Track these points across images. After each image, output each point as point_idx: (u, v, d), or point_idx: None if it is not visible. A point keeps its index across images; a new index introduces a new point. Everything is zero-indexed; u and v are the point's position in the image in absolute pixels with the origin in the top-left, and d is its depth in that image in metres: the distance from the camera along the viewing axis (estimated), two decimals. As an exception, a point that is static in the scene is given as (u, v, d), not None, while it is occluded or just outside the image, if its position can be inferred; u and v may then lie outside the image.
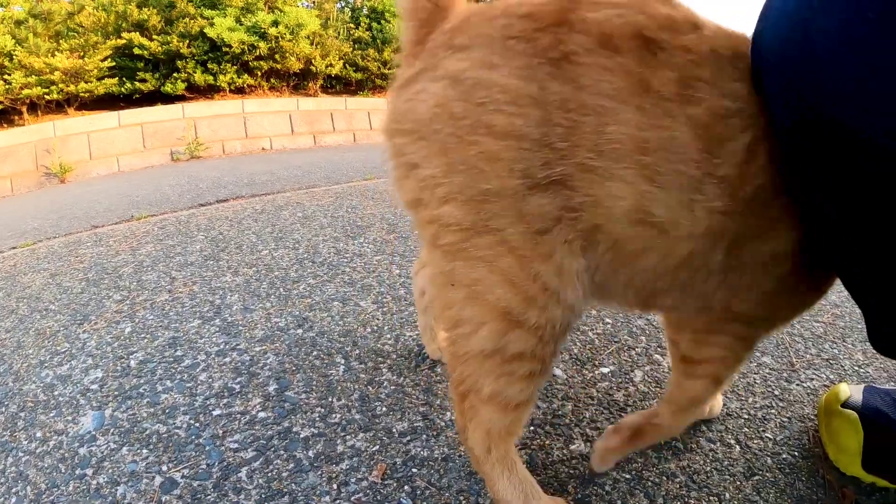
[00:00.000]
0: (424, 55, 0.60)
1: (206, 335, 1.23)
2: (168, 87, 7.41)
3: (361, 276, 1.51)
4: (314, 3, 9.46)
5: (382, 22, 9.82)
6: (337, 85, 9.38)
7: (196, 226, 2.19)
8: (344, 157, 5.44)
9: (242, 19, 7.69)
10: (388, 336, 1.17)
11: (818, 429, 0.88)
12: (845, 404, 0.82)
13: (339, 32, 9.15)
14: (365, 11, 10.28)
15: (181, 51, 7.36)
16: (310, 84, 8.80)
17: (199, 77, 7.47)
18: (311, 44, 8.20)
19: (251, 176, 3.97)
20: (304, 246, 1.81)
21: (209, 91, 7.84)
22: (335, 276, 1.52)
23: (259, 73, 8.04)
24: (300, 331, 1.21)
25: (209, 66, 7.64)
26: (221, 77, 7.62)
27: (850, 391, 0.85)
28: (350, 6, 10.52)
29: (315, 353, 1.12)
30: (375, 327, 1.21)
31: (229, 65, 7.68)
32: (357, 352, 1.11)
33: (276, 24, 7.68)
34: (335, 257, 1.68)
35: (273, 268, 1.61)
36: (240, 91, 8.08)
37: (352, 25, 9.69)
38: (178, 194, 3.36)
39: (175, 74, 7.48)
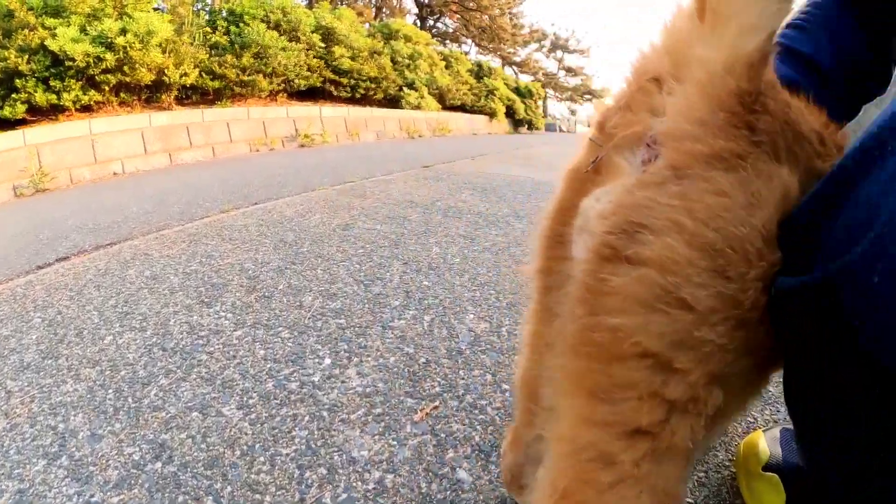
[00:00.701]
0: None
1: (55, 484, 1.01)
2: (6, 111, 6.43)
3: (221, 367, 1.35)
4: (169, 6, 8.71)
5: (241, 25, 9.28)
6: (193, 95, 8.71)
7: (33, 302, 1.88)
8: (201, 178, 5.04)
9: (88, 28, 6.83)
10: (262, 459, 1.03)
11: (737, 481, 0.91)
12: (766, 466, 0.83)
13: (194, 38, 8.47)
14: (224, 14, 9.66)
15: (20, 68, 6.42)
16: (163, 96, 8.04)
17: (41, 96, 6.55)
18: (164, 52, 7.47)
19: (97, 216, 3.53)
20: (153, 323, 1.60)
21: (53, 112, 6.90)
22: (190, 370, 1.34)
23: (107, 88, 7.17)
24: (159, 464, 1.03)
25: (51, 83, 6.70)
26: (66, 95, 6.70)
27: (769, 447, 0.87)
28: (207, 9, 9.82)
29: (181, 498, 0.95)
30: (245, 447, 1.06)
31: (74, 80, 6.77)
32: (229, 489, 0.96)
33: (124, 32, 6.89)
34: (188, 338, 1.50)
35: (118, 364, 1.39)
36: (87, 109, 7.18)
37: (208, 30, 9.05)
38: (16, 250, 2.90)
39: (14, 95, 6.51)
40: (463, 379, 1.29)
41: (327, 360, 1.36)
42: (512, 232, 2.70)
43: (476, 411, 1.17)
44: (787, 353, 0.51)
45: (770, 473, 0.82)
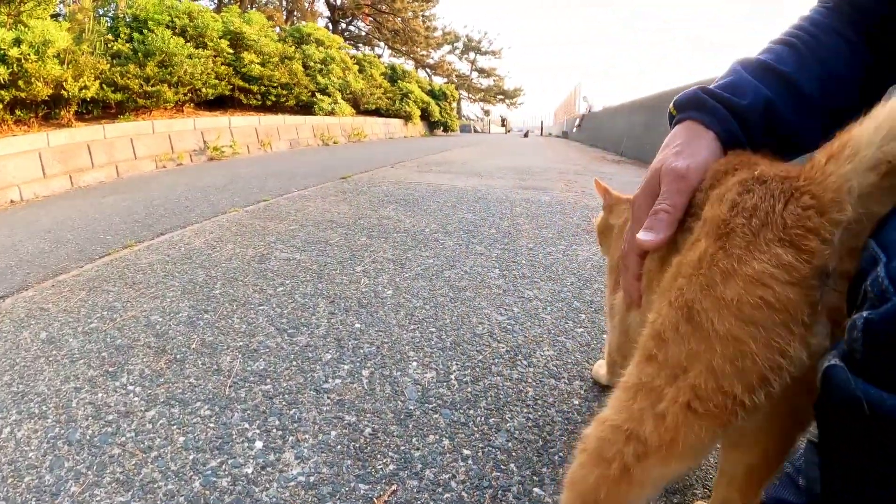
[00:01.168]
0: None
1: None
2: None
3: (137, 464, 1.10)
4: (68, 13, 7.91)
5: (145, 32, 8.58)
6: (94, 110, 7.91)
7: None
8: (103, 205, 4.53)
9: (-21, 40, 6.03)
10: None
11: None
12: None
13: (94, 47, 7.71)
14: (127, 20, 8.94)
15: None
16: (62, 112, 7.26)
17: (-71, 120, 5.70)
18: (62, 63, 6.73)
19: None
20: (54, 406, 1.31)
21: (-57, 136, 6.02)
22: (103, 471, 1.08)
23: (1, 106, 6.40)
24: None
25: (-60, 104, 5.84)
26: (-44, 117, 5.86)
27: None
28: (110, 14, 9.06)
29: None
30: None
31: (-37, 100, 5.93)
32: None
33: (18, 42, 6.15)
34: (95, 425, 1.23)
35: (21, 469, 1.10)
36: (-24, 131, 6.35)
37: (110, 38, 8.30)
38: None
39: None
40: (418, 449, 1.12)
41: (258, 444, 1.15)
42: (443, 251, 2.55)
43: (440, 489, 1.02)
44: None
45: None
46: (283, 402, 1.29)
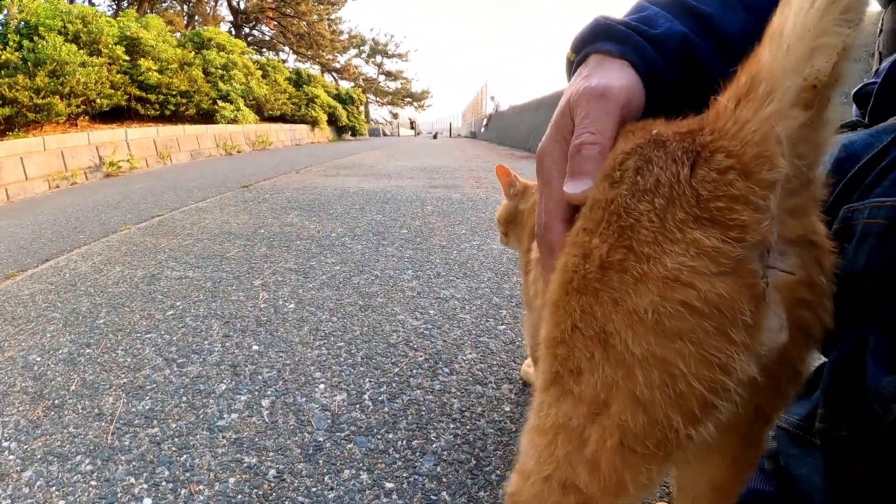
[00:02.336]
0: None
1: None
2: None
3: None
4: None
5: (36, 39, 7.74)
6: None
7: None
8: None
9: None
10: None
11: None
12: None
13: None
14: (18, 26, 8.03)
15: None
16: None
17: None
18: None
19: None
20: None
21: None
22: None
23: None
24: None
25: None
26: None
27: None
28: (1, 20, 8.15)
29: None
30: None
31: None
32: None
33: None
34: None
35: None
36: None
37: None
38: None
39: None
40: (332, 489, 0.95)
41: (147, 502, 0.95)
42: (351, 257, 2.37)
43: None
44: None
45: None
46: (173, 448, 1.08)
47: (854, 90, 0.74)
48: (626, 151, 0.47)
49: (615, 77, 0.55)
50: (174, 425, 1.15)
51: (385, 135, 36.97)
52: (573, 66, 0.63)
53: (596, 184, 0.48)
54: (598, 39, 0.60)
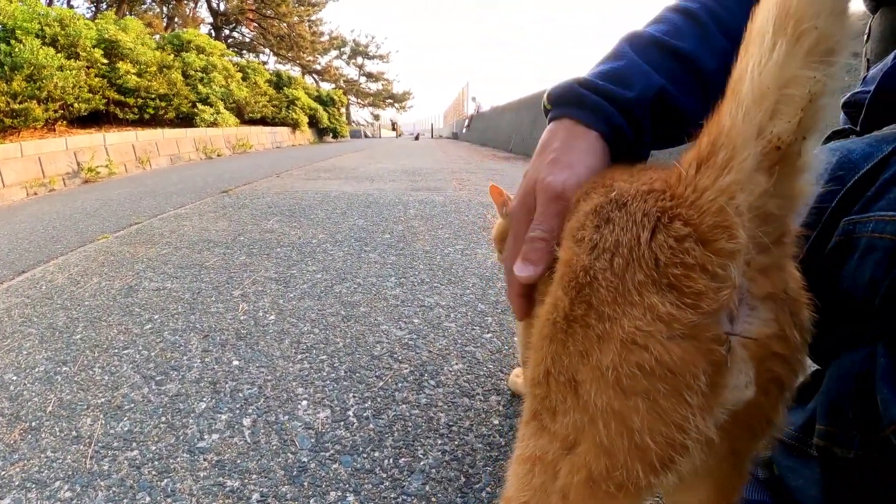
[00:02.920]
0: None
1: None
2: None
3: None
4: None
5: (13, 42, 7.53)
6: None
7: None
8: None
9: None
10: None
11: None
12: None
13: None
14: None
15: None
16: None
17: None
18: None
19: None
20: None
21: None
22: None
23: None
24: None
25: None
26: None
27: None
28: None
29: None
30: None
31: None
32: None
33: None
34: None
35: None
36: None
37: None
38: None
39: None
40: (315, 514, 0.92)
41: None
42: (332, 264, 2.33)
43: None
44: None
45: None
46: (153, 472, 1.03)
47: (843, 99, 0.74)
48: (587, 212, 0.49)
49: (578, 164, 0.62)
50: (154, 447, 1.11)
51: (366, 136, 36.81)
52: (549, 115, 0.69)
53: (563, 243, 0.51)
54: (571, 105, 0.66)
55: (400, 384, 1.32)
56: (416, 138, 28.48)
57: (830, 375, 0.60)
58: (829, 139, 0.72)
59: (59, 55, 8.10)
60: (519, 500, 0.50)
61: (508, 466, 0.53)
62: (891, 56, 0.66)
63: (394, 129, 47.85)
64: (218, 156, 11.44)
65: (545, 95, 0.69)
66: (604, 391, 0.42)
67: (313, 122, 19.48)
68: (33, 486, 1.02)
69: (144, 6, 24.62)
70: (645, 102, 0.63)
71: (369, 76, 42.59)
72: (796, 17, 0.35)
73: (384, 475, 1.00)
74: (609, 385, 0.41)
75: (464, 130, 20.31)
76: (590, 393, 0.43)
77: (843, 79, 0.41)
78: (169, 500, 0.96)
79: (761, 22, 0.37)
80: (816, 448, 0.60)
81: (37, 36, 8.11)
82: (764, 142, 0.36)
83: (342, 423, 1.17)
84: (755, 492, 0.82)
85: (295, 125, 17.43)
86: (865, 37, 0.83)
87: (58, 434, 1.18)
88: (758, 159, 0.37)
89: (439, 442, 1.09)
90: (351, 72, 41.88)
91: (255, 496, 0.95)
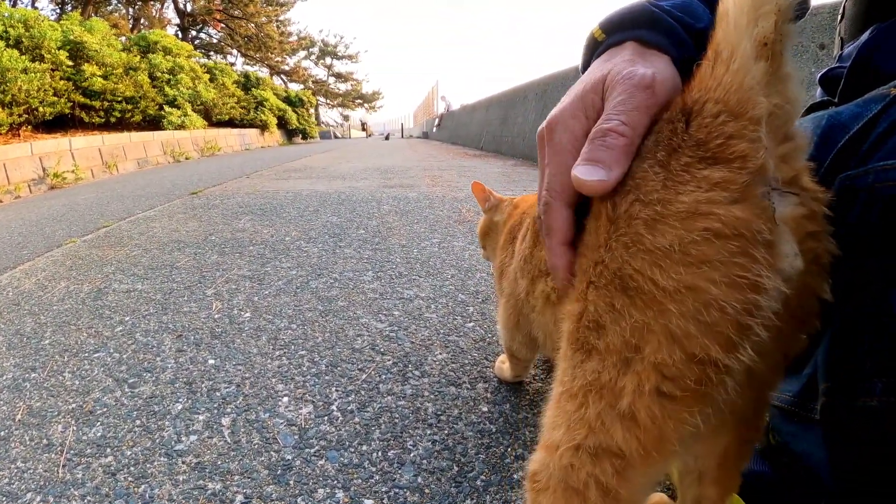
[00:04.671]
0: None
1: None
2: None
3: None
4: None
5: None
6: None
7: None
8: None
9: None
10: None
11: None
12: None
13: None
14: None
15: None
16: None
17: None
18: None
19: None
20: None
21: None
22: None
23: None
24: None
25: None
26: None
27: None
28: None
29: None
30: None
31: None
32: None
33: None
34: None
35: None
36: None
37: None
38: None
39: None
40: (302, 512, 0.87)
41: None
42: (307, 260, 2.27)
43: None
44: None
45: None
46: (130, 478, 0.97)
47: (819, 74, 0.75)
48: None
49: (663, 71, 0.50)
50: (129, 452, 1.04)
51: (336, 137, 36.52)
52: (600, 48, 0.56)
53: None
54: (638, 26, 0.54)
55: (384, 376, 1.28)
56: (387, 138, 28.40)
57: (836, 330, 0.58)
58: (807, 112, 0.73)
59: (23, 57, 7.83)
60: (571, 442, 0.45)
61: (546, 411, 0.49)
62: (866, 32, 0.68)
63: (363, 129, 47.60)
64: (186, 159, 11.20)
65: (598, 25, 0.57)
66: (672, 270, 0.41)
67: (282, 124, 19.23)
68: (3, 498, 0.95)
69: (110, 7, 24.02)
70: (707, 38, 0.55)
71: (338, 76, 42.24)
72: None
73: (373, 469, 0.96)
74: (677, 262, 0.41)
75: (434, 129, 20.28)
76: (653, 280, 0.41)
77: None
78: (147, 506, 0.90)
79: None
80: (822, 409, 0.58)
81: (0, 37, 7.83)
82: (752, 39, 0.41)
83: (326, 417, 1.12)
84: (754, 462, 0.82)
85: (264, 127, 17.17)
86: (840, 16, 0.83)
87: (28, 443, 1.10)
88: (753, 49, 0.41)
89: (428, 432, 1.05)
90: (320, 72, 41.50)
91: (239, 498, 0.90)
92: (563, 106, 0.53)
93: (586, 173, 0.46)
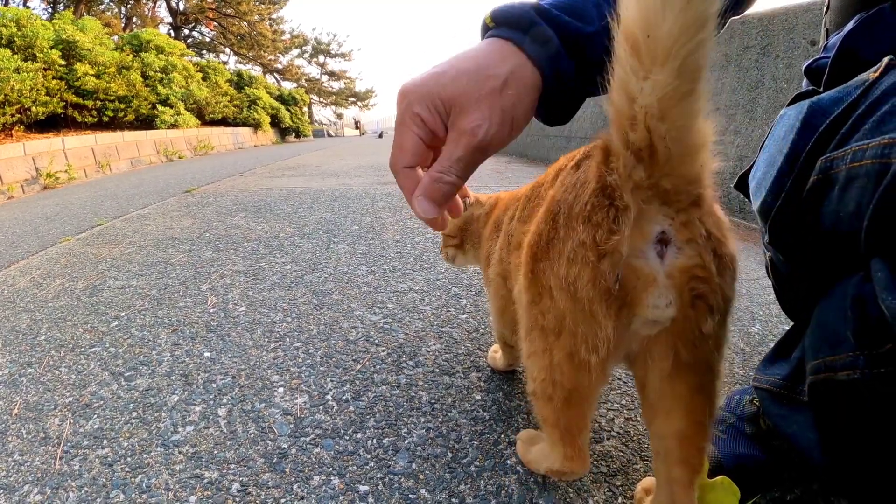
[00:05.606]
0: None
1: None
2: None
3: None
4: None
5: None
6: None
7: None
8: None
9: None
10: None
11: None
12: (710, 472, 0.74)
13: None
14: None
15: None
16: None
17: None
18: None
19: None
20: None
21: None
22: None
23: None
24: None
25: None
26: None
27: None
28: None
29: None
30: None
31: None
32: None
33: None
34: None
35: None
36: None
37: None
38: None
39: None
40: (302, 498, 0.87)
41: None
42: (301, 255, 2.27)
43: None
44: None
45: (718, 478, 0.74)
46: (126, 469, 0.98)
47: (805, 65, 0.78)
48: (571, 167, 0.64)
49: (513, 107, 0.60)
50: (126, 444, 1.05)
51: (330, 135, 36.39)
52: (488, 32, 0.63)
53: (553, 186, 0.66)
54: (517, 27, 0.60)
55: (378, 366, 1.28)
56: (380, 136, 28.30)
57: (822, 311, 0.60)
58: (792, 102, 0.74)
59: (15, 57, 7.74)
60: (540, 378, 0.66)
61: (524, 362, 0.70)
62: (851, 22, 0.70)
63: (357, 127, 47.44)
64: (179, 158, 11.15)
65: (489, 14, 0.63)
66: (562, 295, 0.58)
67: (275, 122, 19.15)
68: (1, 491, 0.95)
69: (102, 6, 23.79)
70: (601, 38, 0.59)
71: (331, 75, 42.09)
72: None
73: (368, 456, 0.96)
74: (563, 291, 0.58)
75: (426, 126, 20.23)
76: (557, 297, 0.59)
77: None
78: (144, 496, 0.90)
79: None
80: (812, 386, 0.59)
81: (-8, 37, 7.77)
82: (629, 148, 0.50)
83: (321, 407, 1.12)
84: (745, 447, 0.83)
85: (257, 125, 17.09)
86: (825, 8, 0.86)
87: (25, 436, 1.11)
88: (632, 159, 0.50)
89: (423, 420, 1.06)
90: (313, 70, 41.35)
91: (235, 486, 0.91)
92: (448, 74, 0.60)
93: (423, 208, 0.63)
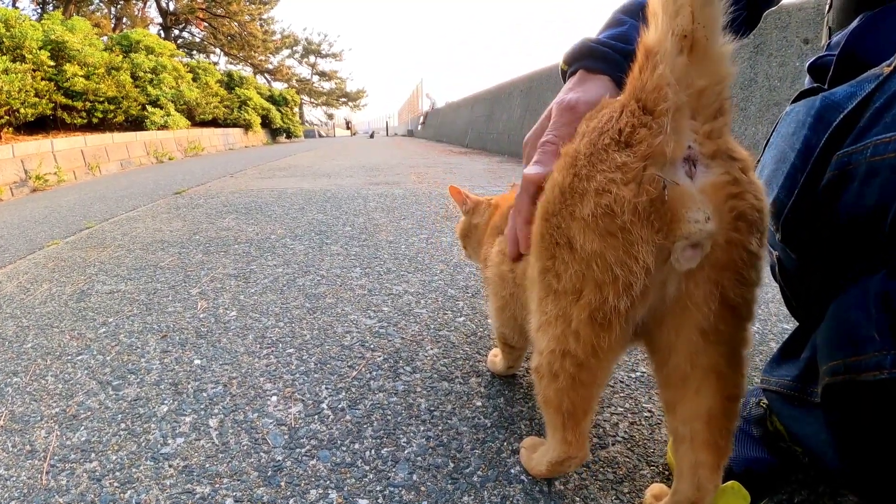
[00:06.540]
0: None
1: None
2: None
3: None
4: None
5: None
6: None
7: None
8: None
9: None
10: None
11: None
12: None
13: None
14: None
15: None
16: None
17: None
18: None
19: None
20: None
21: None
22: None
23: None
24: None
25: None
26: None
27: None
28: None
29: None
30: None
31: None
32: None
33: None
34: None
35: None
36: None
37: None
38: None
39: None
40: (295, 515, 0.84)
41: None
42: (294, 258, 2.23)
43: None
44: None
45: (728, 483, 0.74)
46: (115, 484, 0.93)
47: (808, 63, 0.79)
48: (587, 118, 0.64)
49: (590, 91, 0.73)
50: (114, 457, 1.00)
51: (321, 136, 36.31)
52: (566, 75, 0.80)
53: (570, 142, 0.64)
54: (583, 58, 0.77)
55: (374, 372, 1.25)
56: (371, 136, 28.26)
57: (839, 309, 0.58)
58: (798, 99, 0.74)
59: (3, 58, 7.63)
60: (549, 349, 0.65)
61: (533, 334, 0.70)
62: (855, 20, 0.71)
63: (348, 127, 47.35)
64: (169, 159, 11.05)
65: (561, 59, 0.80)
66: (590, 237, 0.56)
67: (266, 123, 19.04)
68: (-17, 508, 0.91)
69: (92, 6, 23.57)
70: None
71: (322, 75, 41.96)
72: None
73: (367, 467, 0.93)
74: (592, 230, 0.55)
75: (419, 127, 20.23)
76: (582, 243, 0.56)
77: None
78: (134, 513, 0.86)
79: None
80: (828, 388, 0.57)
81: (-20, 38, 7.65)
82: (673, 35, 0.49)
83: (316, 416, 1.09)
84: (752, 450, 0.82)
85: (248, 126, 16.98)
86: (828, 6, 0.86)
87: (10, 450, 1.06)
88: (675, 46, 0.50)
89: (422, 428, 1.02)
90: (304, 71, 41.21)
91: (229, 501, 0.87)
92: (531, 131, 0.79)
93: (530, 169, 0.72)
